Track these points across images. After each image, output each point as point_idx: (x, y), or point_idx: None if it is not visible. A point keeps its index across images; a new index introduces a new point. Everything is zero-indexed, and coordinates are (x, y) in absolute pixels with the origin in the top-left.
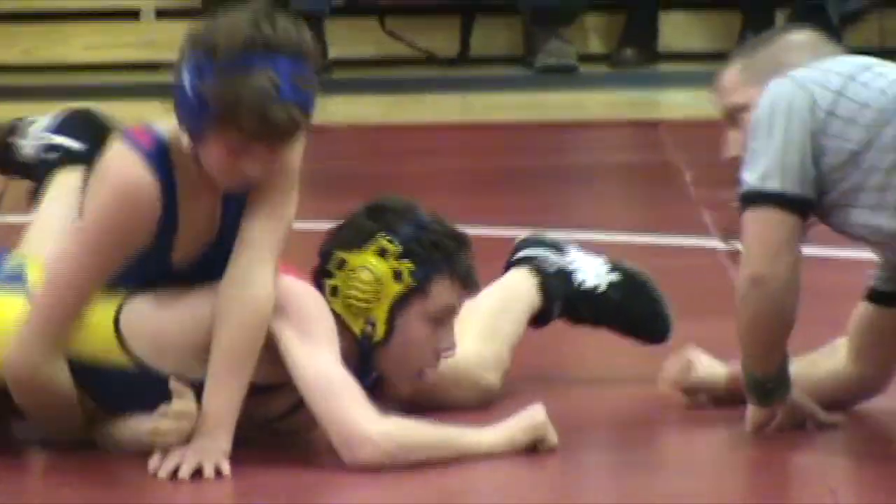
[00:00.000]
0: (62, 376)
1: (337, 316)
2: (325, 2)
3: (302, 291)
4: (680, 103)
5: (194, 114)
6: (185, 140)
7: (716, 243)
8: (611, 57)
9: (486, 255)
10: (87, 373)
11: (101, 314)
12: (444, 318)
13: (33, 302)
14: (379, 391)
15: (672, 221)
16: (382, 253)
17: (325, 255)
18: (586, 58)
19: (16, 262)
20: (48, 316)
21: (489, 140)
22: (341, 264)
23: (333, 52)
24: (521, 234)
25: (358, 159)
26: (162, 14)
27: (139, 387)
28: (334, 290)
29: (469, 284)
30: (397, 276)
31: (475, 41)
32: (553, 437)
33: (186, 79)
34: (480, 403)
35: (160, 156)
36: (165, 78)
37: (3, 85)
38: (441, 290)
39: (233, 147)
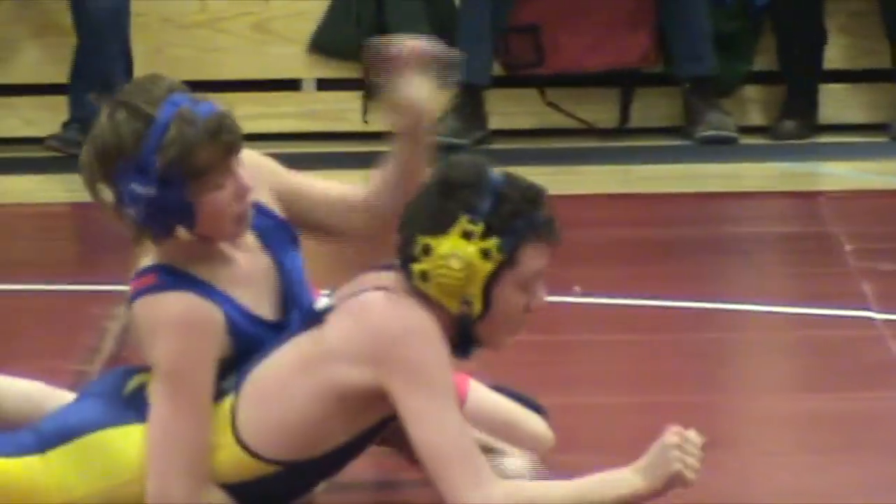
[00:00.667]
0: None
1: (429, 297)
2: (487, 73)
3: (409, 328)
4: (839, 175)
5: (165, 204)
6: (170, 250)
7: (874, 315)
8: (770, 129)
9: (645, 325)
10: (238, 490)
11: (220, 436)
12: (536, 280)
13: (164, 456)
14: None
15: (831, 293)
16: (467, 235)
17: (407, 240)
18: (746, 129)
19: (137, 382)
20: (191, 459)
21: (648, 211)
22: (427, 250)
23: (493, 123)
24: (680, 304)
25: None
26: (323, 84)
27: (292, 478)
28: (424, 275)
29: (553, 238)
30: (485, 255)
31: (635, 112)
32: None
33: (128, 193)
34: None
35: (172, 274)
36: (326, 148)
37: None
38: (529, 256)
39: (218, 185)
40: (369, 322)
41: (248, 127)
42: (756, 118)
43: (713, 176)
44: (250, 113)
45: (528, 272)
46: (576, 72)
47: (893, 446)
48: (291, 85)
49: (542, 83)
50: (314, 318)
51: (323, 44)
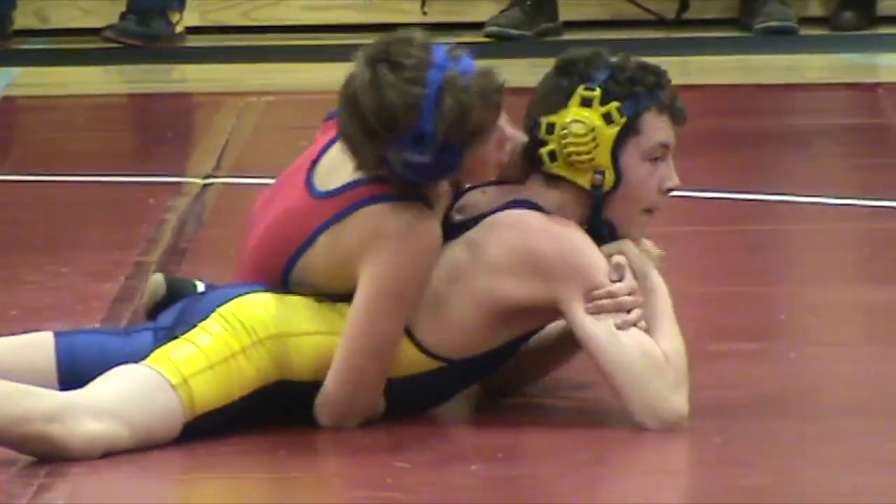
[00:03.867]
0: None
1: (561, 178)
2: None
3: (567, 244)
4: None
5: (438, 167)
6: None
7: None
8: (830, 20)
9: (707, 217)
10: (403, 384)
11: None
12: (662, 155)
13: (359, 356)
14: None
15: (891, 184)
16: (586, 103)
17: (533, 126)
18: (805, 20)
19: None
20: (388, 361)
21: (707, 102)
22: (550, 128)
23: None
24: (741, 196)
25: None
26: None
27: (453, 375)
28: (552, 155)
29: (677, 115)
30: (608, 119)
31: (694, 3)
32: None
33: (401, 160)
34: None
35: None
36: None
37: (223, 46)
38: (652, 125)
39: (487, 140)
40: (531, 240)
41: (306, 18)
42: (815, 9)
43: (772, 67)
44: (308, 4)
45: (652, 142)
46: None
47: None
48: None
49: None
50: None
51: None
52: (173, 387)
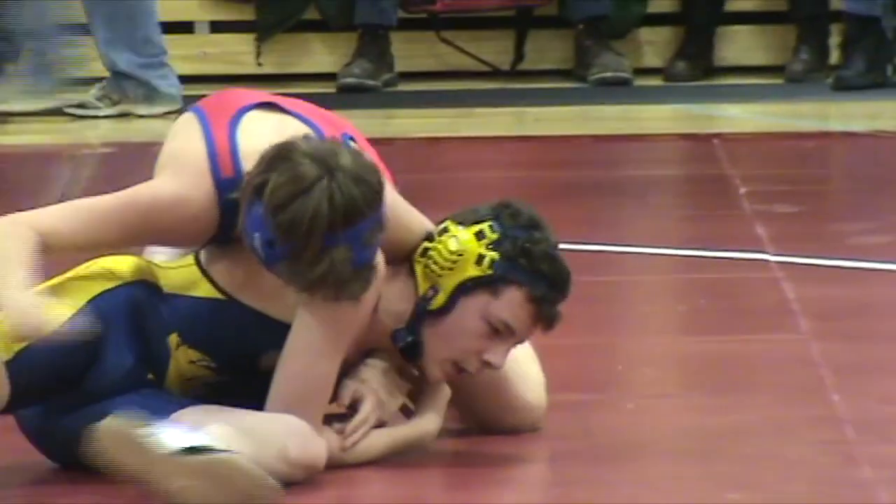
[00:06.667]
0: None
1: (412, 275)
2: (394, 15)
3: None
4: (735, 117)
5: (268, 265)
6: None
7: (769, 257)
8: (664, 70)
9: None
10: (176, 302)
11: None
12: (502, 332)
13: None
14: (414, 361)
15: (726, 235)
16: (479, 235)
17: (440, 223)
18: (640, 71)
19: None
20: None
21: (542, 153)
22: (443, 231)
23: (396, 66)
24: (575, 246)
25: (410, 172)
26: (216, 27)
27: (226, 317)
28: (424, 251)
29: (542, 316)
30: (479, 259)
31: (529, 54)
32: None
33: (257, 240)
34: (521, 425)
35: (231, 187)
36: (218, 90)
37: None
38: (511, 301)
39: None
40: None
41: None
42: (651, 60)
43: (608, 118)
44: None
45: (500, 313)
46: (470, 10)
47: (787, 388)
48: (185, 27)
49: (438, 25)
50: None
51: None
52: None
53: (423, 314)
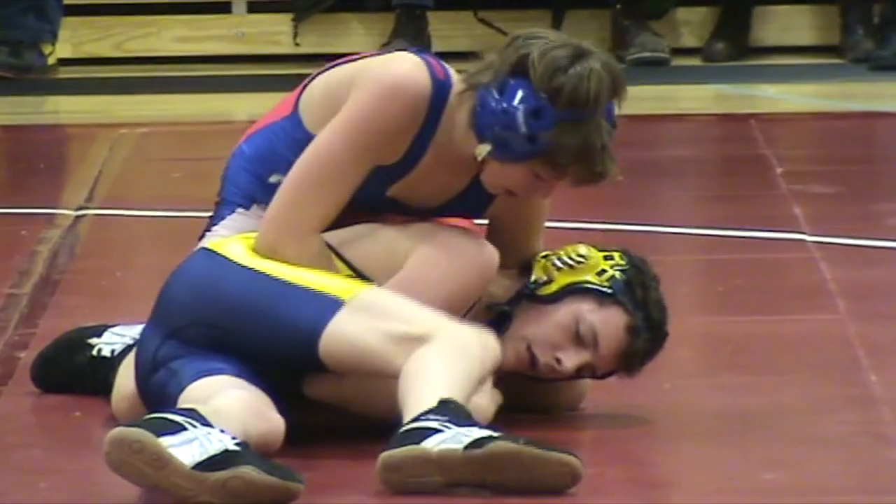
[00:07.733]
0: (324, 251)
1: (522, 276)
2: None
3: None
4: (772, 97)
5: (515, 142)
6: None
7: (806, 237)
8: (702, 50)
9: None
10: None
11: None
12: (586, 342)
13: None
14: (499, 332)
15: (762, 215)
16: (608, 257)
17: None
18: (678, 51)
19: None
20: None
21: None
22: (578, 244)
23: (434, 46)
24: (612, 226)
25: None
26: (253, 7)
27: None
28: (546, 255)
29: (627, 356)
30: (601, 272)
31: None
32: None
33: (519, 110)
34: (562, 404)
35: (442, 91)
36: (255, 71)
37: (95, 77)
38: (611, 319)
39: (538, 176)
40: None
41: (178, 49)
42: (688, 40)
43: (645, 98)
44: (180, 35)
45: (595, 324)
46: None
47: (823, 368)
48: (222, 7)
49: (475, 4)
50: None
51: None
52: None
53: (527, 294)
